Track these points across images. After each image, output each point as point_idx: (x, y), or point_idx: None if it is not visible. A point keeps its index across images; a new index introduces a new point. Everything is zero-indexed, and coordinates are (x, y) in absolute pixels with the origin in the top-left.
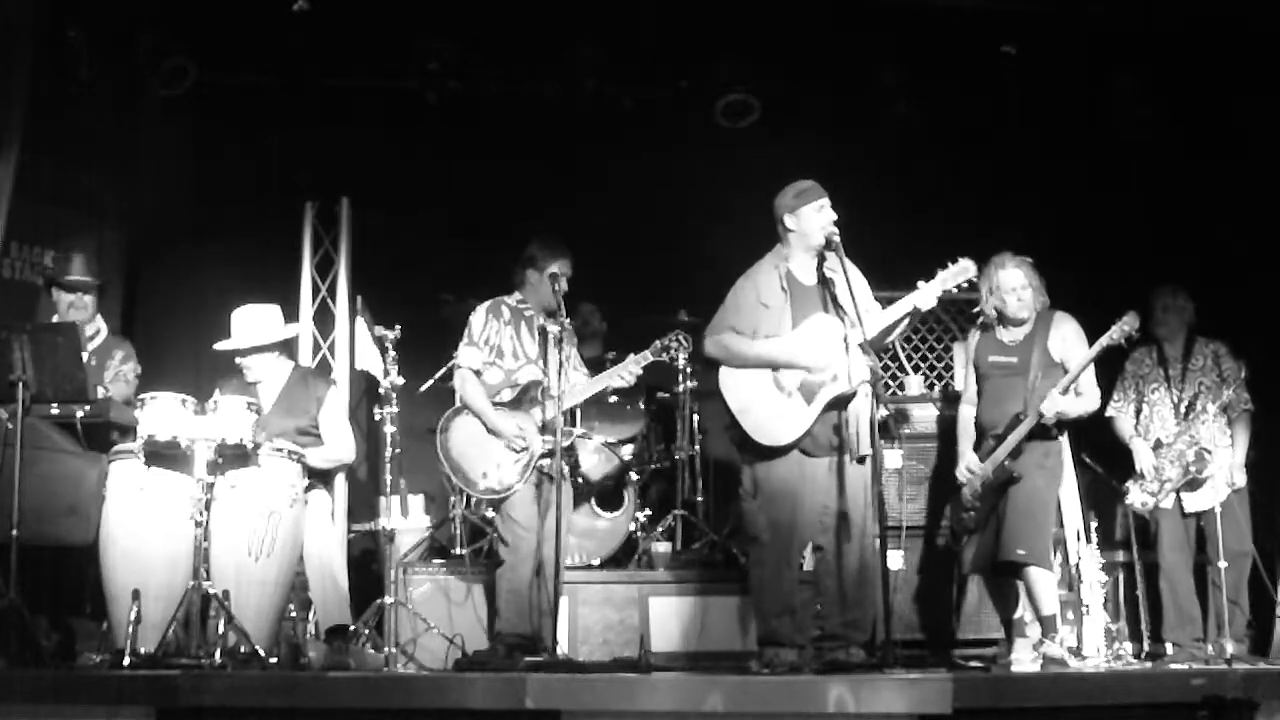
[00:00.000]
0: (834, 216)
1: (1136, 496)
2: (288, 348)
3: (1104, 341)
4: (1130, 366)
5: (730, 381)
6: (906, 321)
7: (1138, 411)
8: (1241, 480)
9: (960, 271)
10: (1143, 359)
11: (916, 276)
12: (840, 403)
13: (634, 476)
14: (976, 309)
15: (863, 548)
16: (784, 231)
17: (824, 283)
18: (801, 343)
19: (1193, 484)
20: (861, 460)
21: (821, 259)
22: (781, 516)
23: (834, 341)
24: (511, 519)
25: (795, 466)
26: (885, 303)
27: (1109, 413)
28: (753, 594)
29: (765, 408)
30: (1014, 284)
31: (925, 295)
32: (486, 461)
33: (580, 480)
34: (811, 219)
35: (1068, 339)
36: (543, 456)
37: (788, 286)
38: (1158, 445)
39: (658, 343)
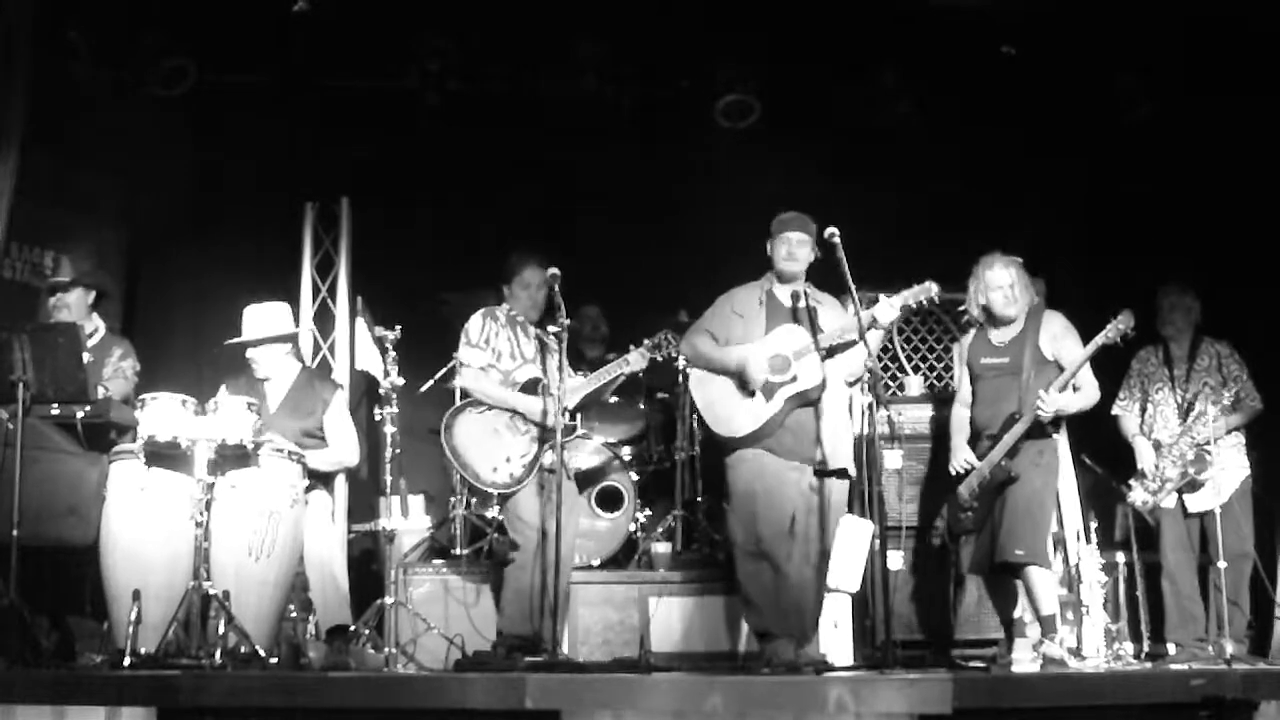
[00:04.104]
0: (792, 254)
1: (1138, 495)
2: (297, 349)
3: (1099, 340)
4: (1136, 365)
5: (699, 382)
6: (869, 333)
7: (1142, 410)
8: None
9: (922, 290)
10: (1148, 358)
11: (915, 275)
12: (806, 403)
13: (634, 476)
14: (963, 309)
15: (806, 561)
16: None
17: (801, 310)
18: (755, 354)
19: (1193, 485)
20: (838, 474)
21: (796, 294)
22: (745, 514)
23: (797, 345)
24: (520, 519)
25: (756, 465)
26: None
27: (1114, 411)
28: (739, 594)
29: (727, 402)
30: (1001, 282)
31: (884, 310)
32: (495, 456)
33: (579, 470)
34: (775, 249)
35: (1057, 335)
36: (546, 449)
37: (765, 301)
38: (1159, 445)
39: (647, 341)
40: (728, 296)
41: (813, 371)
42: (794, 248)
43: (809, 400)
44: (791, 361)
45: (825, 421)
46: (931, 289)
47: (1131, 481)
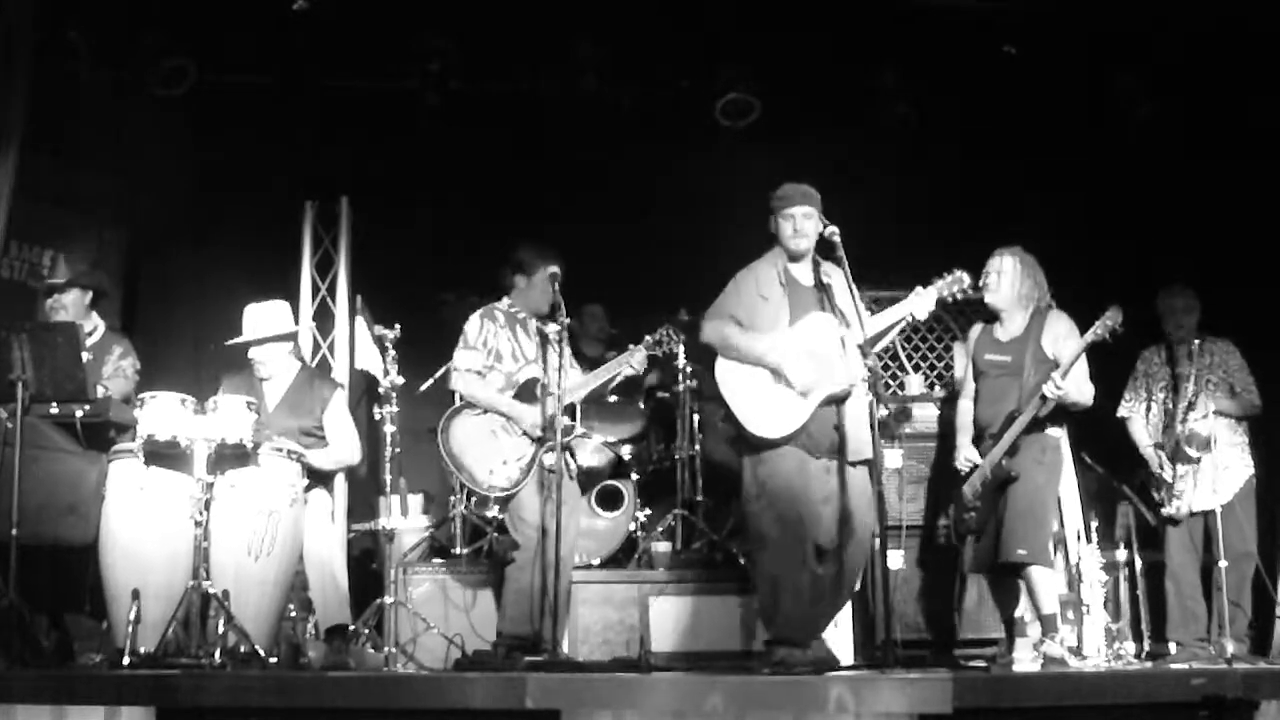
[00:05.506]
0: (799, 229)
1: (1171, 508)
2: (297, 348)
3: (1088, 338)
4: (1140, 366)
5: (728, 373)
6: (901, 325)
7: (1147, 411)
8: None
9: (954, 281)
10: (1151, 358)
11: (916, 275)
12: (836, 401)
13: (634, 476)
14: (977, 291)
15: (867, 546)
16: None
17: (821, 287)
18: (791, 353)
19: (1197, 463)
20: (856, 465)
21: (816, 264)
22: (789, 513)
23: (829, 341)
24: (522, 520)
25: (796, 463)
26: (887, 301)
27: (1121, 413)
28: (761, 594)
29: (762, 400)
30: (992, 268)
31: (920, 302)
32: (492, 459)
33: (580, 469)
34: (780, 226)
35: (1060, 336)
36: (544, 451)
37: (786, 282)
38: (1161, 447)
39: (649, 338)
40: (749, 273)
41: (851, 367)
42: (800, 223)
43: (843, 396)
44: (825, 356)
45: (847, 412)
46: (964, 279)
47: (1161, 495)
